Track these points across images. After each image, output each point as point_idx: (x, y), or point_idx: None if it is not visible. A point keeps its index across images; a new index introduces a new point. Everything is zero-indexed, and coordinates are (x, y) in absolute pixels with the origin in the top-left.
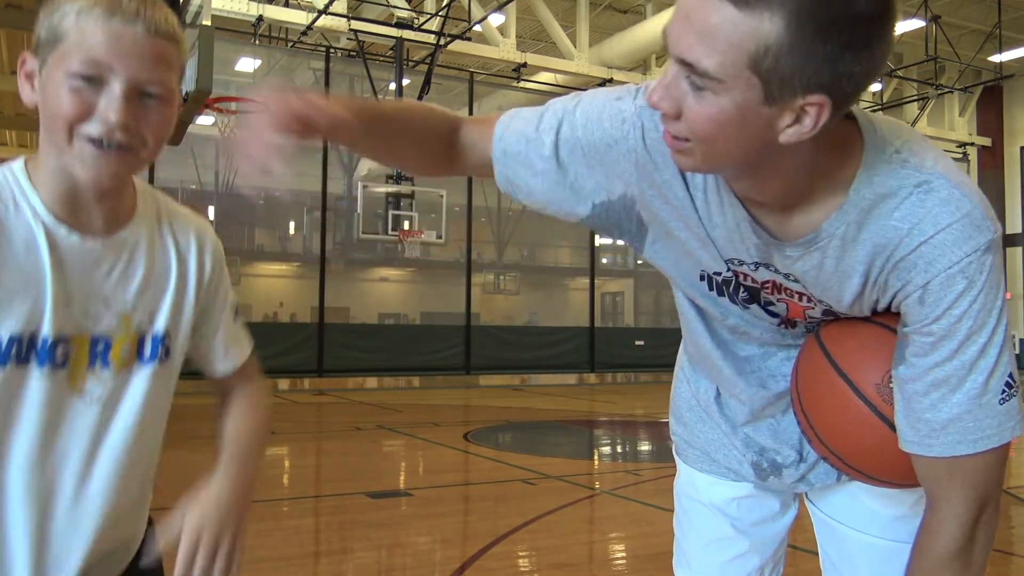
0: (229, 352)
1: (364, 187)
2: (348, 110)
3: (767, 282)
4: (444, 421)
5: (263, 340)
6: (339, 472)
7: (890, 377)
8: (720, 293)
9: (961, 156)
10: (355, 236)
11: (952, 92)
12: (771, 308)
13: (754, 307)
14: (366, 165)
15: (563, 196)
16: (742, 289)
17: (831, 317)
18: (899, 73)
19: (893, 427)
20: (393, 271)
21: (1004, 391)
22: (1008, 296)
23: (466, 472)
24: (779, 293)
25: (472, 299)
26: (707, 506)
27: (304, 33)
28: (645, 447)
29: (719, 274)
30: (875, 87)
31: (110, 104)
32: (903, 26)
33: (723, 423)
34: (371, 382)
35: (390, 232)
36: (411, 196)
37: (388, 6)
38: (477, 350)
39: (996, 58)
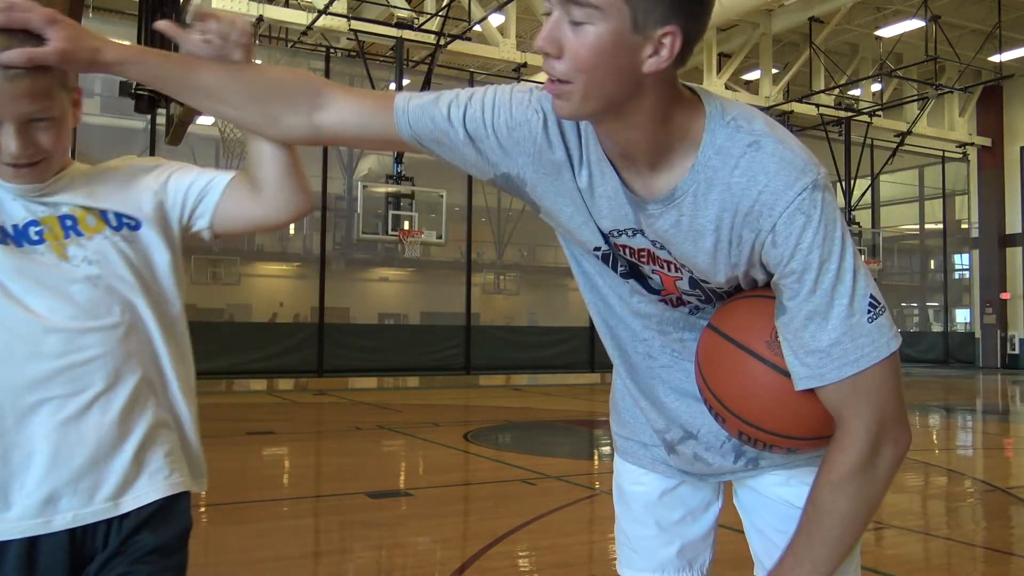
0: (207, 187)
1: (364, 187)
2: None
3: (643, 250)
4: (444, 421)
5: (263, 340)
6: (339, 472)
7: (776, 332)
8: (604, 262)
9: (961, 156)
10: (355, 236)
11: (952, 92)
12: (650, 283)
13: (632, 282)
14: (366, 165)
15: (473, 160)
16: (620, 263)
17: (699, 292)
18: (899, 73)
19: (788, 375)
20: (393, 271)
21: (870, 311)
22: (1007, 296)
23: (466, 472)
24: (653, 264)
25: (472, 299)
26: (633, 504)
27: (304, 33)
28: None
29: (599, 249)
30: (875, 87)
31: (7, 140)
32: (903, 26)
33: (640, 400)
34: (371, 382)
35: (390, 232)
36: (411, 196)
37: (388, 6)
38: (477, 350)
39: (996, 58)
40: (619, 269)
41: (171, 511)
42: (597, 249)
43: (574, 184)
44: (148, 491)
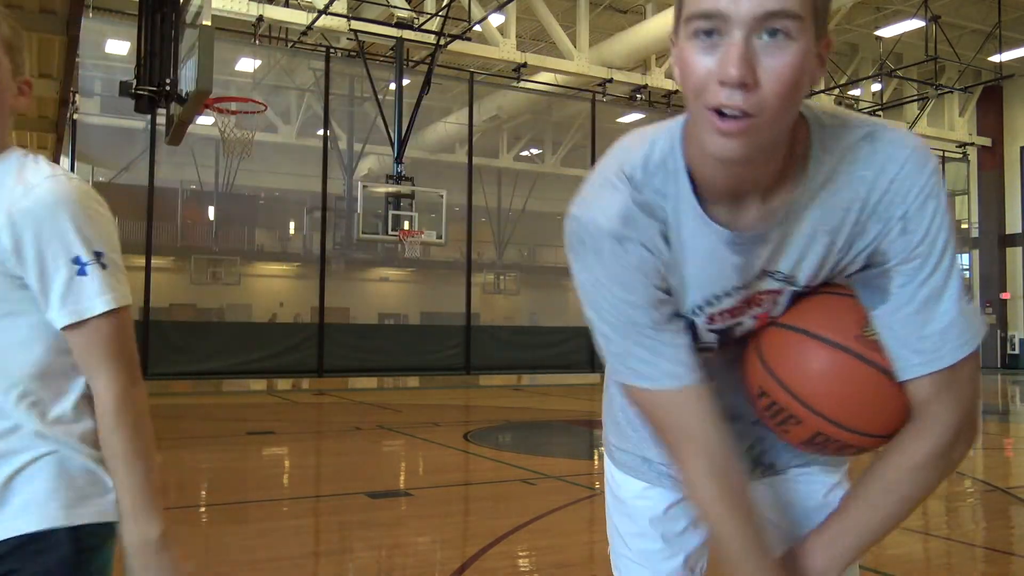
0: (65, 303)
1: (364, 187)
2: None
3: (738, 307)
4: (444, 421)
5: (263, 340)
6: (339, 472)
7: (864, 326)
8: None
9: (961, 156)
10: (355, 236)
11: (952, 92)
12: (728, 333)
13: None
14: (366, 165)
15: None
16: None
17: (788, 306)
18: (899, 73)
19: (882, 370)
20: (393, 271)
21: (967, 293)
22: (1007, 296)
23: (466, 472)
24: (752, 307)
25: (472, 299)
26: (638, 517)
27: (304, 33)
28: None
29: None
30: (875, 87)
31: None
32: (903, 26)
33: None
34: (371, 382)
35: (390, 232)
36: (411, 196)
37: (388, 6)
38: (477, 350)
39: (996, 58)
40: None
41: (43, 543)
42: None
43: (667, 251)
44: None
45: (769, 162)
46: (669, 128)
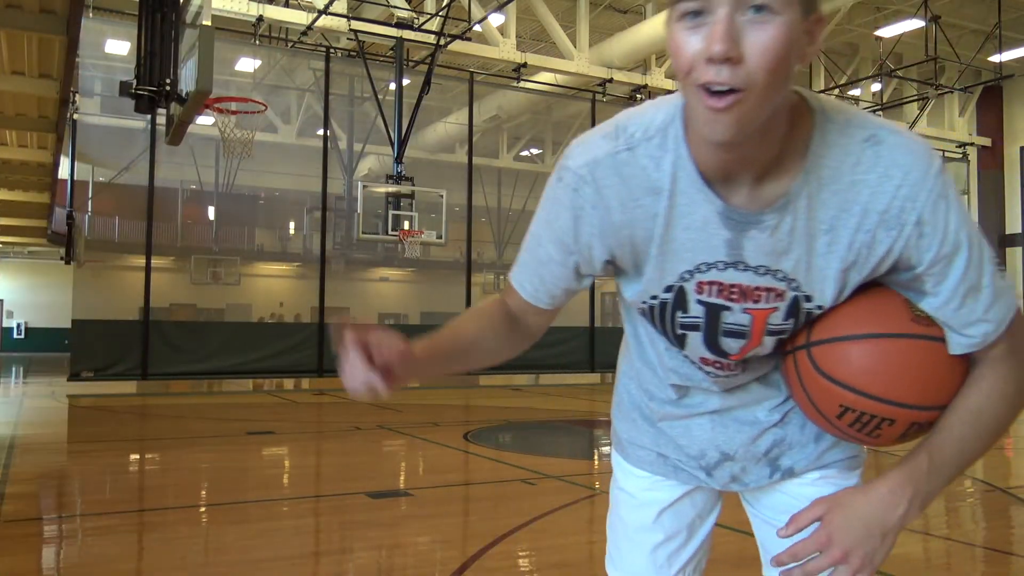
0: None
1: (364, 187)
2: (415, 349)
3: (734, 287)
4: (444, 421)
5: (263, 340)
6: (339, 472)
7: (911, 306)
8: (651, 316)
9: (961, 156)
10: (355, 236)
11: (952, 92)
12: (722, 342)
13: (691, 338)
14: (366, 165)
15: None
16: (678, 317)
17: (792, 323)
18: (899, 73)
19: (942, 340)
20: (393, 271)
21: (998, 271)
22: None
23: (466, 472)
24: (745, 300)
25: (472, 299)
26: (648, 509)
27: (304, 33)
28: None
29: (655, 297)
30: (875, 87)
31: None
32: (903, 26)
33: (668, 429)
34: None
35: (390, 232)
36: (411, 196)
37: (388, 6)
38: None
39: (996, 58)
40: (675, 323)
41: None
42: (654, 298)
43: (651, 218)
44: None
45: (762, 145)
46: (673, 100)
